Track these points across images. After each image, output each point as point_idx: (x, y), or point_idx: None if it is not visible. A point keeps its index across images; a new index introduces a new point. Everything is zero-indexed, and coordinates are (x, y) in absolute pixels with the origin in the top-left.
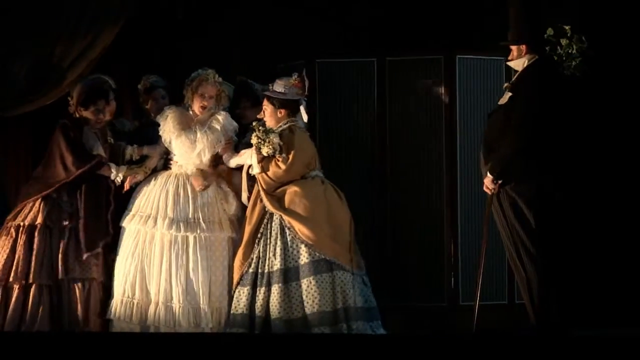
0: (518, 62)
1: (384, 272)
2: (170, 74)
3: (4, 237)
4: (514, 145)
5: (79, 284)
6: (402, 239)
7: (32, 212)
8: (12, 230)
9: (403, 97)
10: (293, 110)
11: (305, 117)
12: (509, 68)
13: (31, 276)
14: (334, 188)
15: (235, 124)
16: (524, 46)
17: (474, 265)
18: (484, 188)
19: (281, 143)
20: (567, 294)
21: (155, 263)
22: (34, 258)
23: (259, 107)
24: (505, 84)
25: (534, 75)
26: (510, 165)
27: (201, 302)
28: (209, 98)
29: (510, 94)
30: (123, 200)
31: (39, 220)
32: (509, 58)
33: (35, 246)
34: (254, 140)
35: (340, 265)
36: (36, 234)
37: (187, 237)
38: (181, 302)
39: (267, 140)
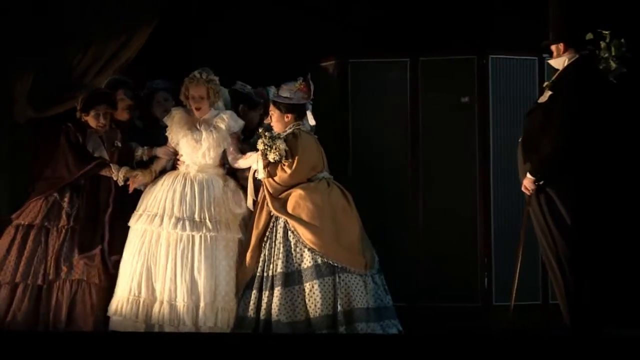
0: (558, 61)
1: (417, 272)
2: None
3: (5, 236)
4: (554, 145)
5: (67, 285)
6: (435, 239)
7: (32, 211)
8: (12, 229)
9: (436, 97)
10: (299, 115)
11: (312, 121)
12: (542, 67)
13: (18, 275)
14: (340, 190)
15: (241, 122)
16: (562, 45)
17: (508, 265)
18: (523, 188)
19: (287, 149)
20: (601, 294)
21: (161, 262)
22: (23, 258)
23: (256, 108)
24: (545, 83)
25: (574, 74)
26: (552, 165)
27: (202, 301)
28: (200, 98)
29: (550, 92)
30: (131, 202)
31: (37, 220)
32: (554, 57)
33: (27, 246)
34: (260, 146)
35: (344, 268)
36: (32, 233)
37: (192, 236)
38: (185, 300)
39: (273, 146)
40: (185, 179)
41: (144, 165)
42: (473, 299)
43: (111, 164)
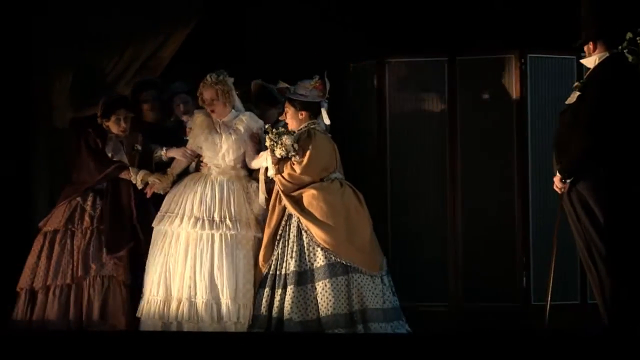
0: (589, 60)
1: (456, 272)
2: (236, 74)
3: (35, 244)
4: (582, 144)
5: (98, 281)
6: (474, 239)
7: (57, 217)
8: (41, 236)
9: (474, 97)
10: (314, 113)
11: (326, 120)
12: (580, 67)
13: (49, 278)
14: (353, 190)
15: (260, 122)
16: (592, 44)
17: (546, 264)
18: (554, 187)
19: (295, 145)
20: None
21: (180, 261)
22: (52, 262)
23: (277, 106)
24: (575, 83)
25: (602, 74)
26: (579, 165)
27: (223, 298)
28: (211, 101)
29: (578, 93)
30: (156, 202)
31: (61, 224)
32: (586, 56)
33: (54, 250)
34: (267, 143)
35: (357, 268)
36: (57, 237)
37: (212, 235)
38: (204, 297)
39: (279, 142)
40: (206, 181)
41: (166, 165)
42: (512, 299)
43: (130, 167)
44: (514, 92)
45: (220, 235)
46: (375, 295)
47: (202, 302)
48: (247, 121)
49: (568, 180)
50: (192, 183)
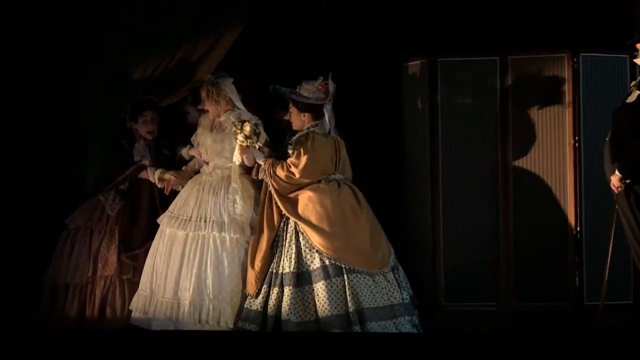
0: None
1: (509, 272)
2: (284, 74)
3: (60, 240)
4: None
5: (102, 282)
6: (526, 238)
7: (80, 215)
8: (65, 233)
9: (526, 95)
10: (317, 115)
11: (328, 122)
12: (633, 66)
13: (69, 276)
14: (351, 190)
15: (249, 119)
16: None
17: (599, 264)
18: (611, 185)
19: (259, 132)
20: None
21: (169, 261)
22: (72, 259)
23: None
24: (633, 82)
25: None
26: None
27: (207, 300)
28: (202, 99)
29: (638, 92)
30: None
31: (82, 222)
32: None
33: (74, 248)
34: (230, 129)
35: (353, 269)
36: (78, 235)
37: (202, 236)
38: (190, 299)
39: (241, 128)
40: (201, 181)
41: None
42: (564, 299)
43: (148, 167)
44: (566, 90)
45: (210, 237)
46: (373, 293)
47: (188, 303)
48: (231, 119)
49: (627, 180)
50: (193, 184)
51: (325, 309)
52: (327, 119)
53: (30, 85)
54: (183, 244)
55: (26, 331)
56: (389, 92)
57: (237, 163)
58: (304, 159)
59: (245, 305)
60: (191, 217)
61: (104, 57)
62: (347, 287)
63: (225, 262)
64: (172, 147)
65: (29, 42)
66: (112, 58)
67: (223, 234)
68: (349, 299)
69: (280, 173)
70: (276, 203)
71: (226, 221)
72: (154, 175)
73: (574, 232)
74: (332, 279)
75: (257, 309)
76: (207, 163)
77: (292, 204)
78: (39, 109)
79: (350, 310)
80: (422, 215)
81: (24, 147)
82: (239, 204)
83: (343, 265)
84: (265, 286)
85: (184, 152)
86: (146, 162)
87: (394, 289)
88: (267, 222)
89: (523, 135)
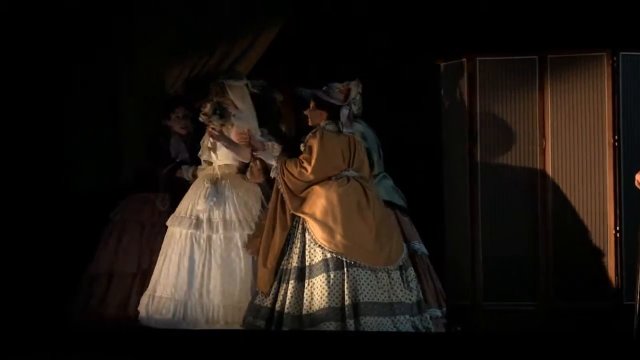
0: None
1: (547, 271)
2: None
3: (104, 232)
4: None
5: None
6: (565, 237)
7: (127, 209)
8: (110, 225)
9: (564, 95)
10: (332, 115)
11: (342, 124)
12: None
13: (113, 266)
14: (362, 187)
15: (249, 122)
16: None
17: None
18: (635, 183)
19: (218, 112)
20: None
21: (177, 261)
22: (120, 250)
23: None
24: None
25: None
26: None
27: (217, 300)
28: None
29: None
30: None
31: (128, 216)
32: None
33: (124, 239)
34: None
35: (355, 263)
36: (126, 228)
37: (209, 236)
38: (200, 298)
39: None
40: (205, 181)
41: None
42: (604, 299)
43: (182, 166)
44: (606, 89)
45: (217, 236)
46: (372, 288)
47: (198, 303)
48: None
49: None
50: (198, 183)
51: (323, 301)
52: (341, 121)
53: (69, 85)
54: (190, 244)
55: (65, 324)
56: (428, 92)
57: (208, 146)
58: (315, 154)
59: (256, 302)
60: (197, 216)
61: (141, 57)
62: (346, 281)
63: (233, 261)
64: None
65: (68, 42)
66: (149, 58)
67: (229, 233)
68: (346, 292)
69: (293, 170)
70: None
71: (232, 220)
72: (188, 174)
73: (614, 231)
74: (332, 272)
75: (268, 305)
76: (209, 163)
77: (301, 202)
78: (76, 108)
79: (347, 303)
80: (461, 215)
81: (61, 147)
82: (239, 203)
83: (345, 259)
84: (275, 283)
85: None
86: (185, 156)
87: (397, 287)
88: (279, 222)
89: (562, 134)
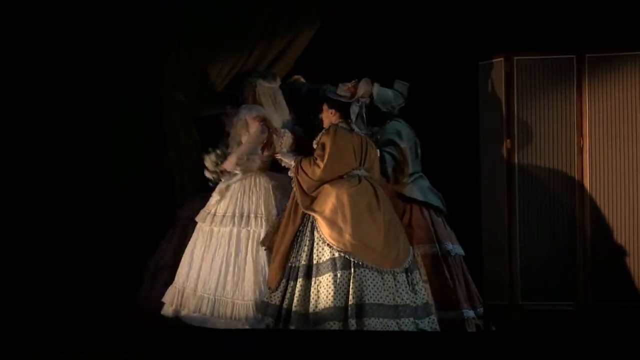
0: None
1: (585, 270)
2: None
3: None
4: None
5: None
6: (603, 237)
7: (194, 206)
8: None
9: (602, 94)
10: (344, 114)
11: (354, 122)
12: None
13: (177, 259)
14: (373, 188)
15: (252, 110)
16: None
17: None
18: None
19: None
20: None
21: (208, 257)
22: (184, 243)
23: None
24: None
25: None
26: None
27: (249, 297)
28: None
29: None
30: None
31: (193, 213)
32: None
33: (187, 234)
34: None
35: (362, 264)
36: (190, 225)
37: (239, 232)
38: (231, 296)
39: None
40: (233, 179)
41: None
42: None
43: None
44: None
45: (247, 232)
46: (378, 290)
47: (229, 300)
48: (238, 114)
49: None
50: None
51: (329, 300)
52: (352, 119)
53: (110, 89)
54: (216, 240)
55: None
56: (466, 90)
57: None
58: (327, 151)
59: (264, 299)
60: (224, 213)
61: (181, 57)
62: (351, 281)
63: (250, 257)
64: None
65: (108, 42)
66: (189, 58)
67: (251, 229)
68: (351, 292)
69: (307, 168)
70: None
71: (255, 217)
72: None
73: None
74: (339, 271)
75: (275, 302)
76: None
77: (312, 200)
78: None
79: (350, 303)
80: (498, 215)
81: (103, 148)
82: (260, 200)
83: (352, 259)
84: (284, 280)
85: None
86: None
87: (403, 290)
88: (291, 218)
89: (600, 134)
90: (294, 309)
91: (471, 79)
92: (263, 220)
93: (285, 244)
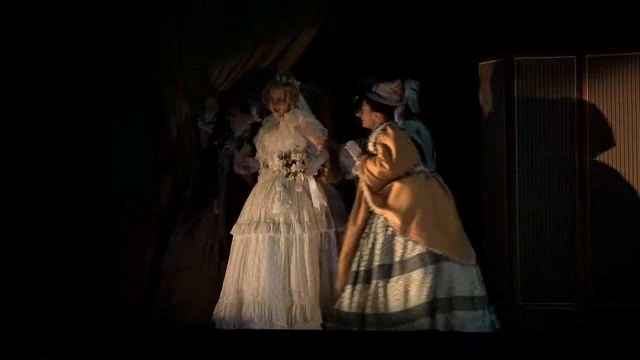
0: None
1: (585, 271)
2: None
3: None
4: None
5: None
6: (603, 237)
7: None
8: (180, 224)
9: (603, 95)
10: (388, 115)
11: (399, 124)
12: None
13: (182, 260)
14: (439, 182)
15: (304, 116)
16: None
17: None
18: None
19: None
20: None
21: (252, 265)
22: (188, 244)
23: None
24: None
25: None
26: None
27: (295, 301)
28: (277, 100)
29: None
30: None
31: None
32: None
33: (194, 235)
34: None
35: (447, 257)
36: (201, 223)
37: (279, 237)
38: (280, 300)
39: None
40: (263, 183)
41: None
42: None
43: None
44: None
45: (286, 238)
46: (465, 283)
47: (275, 305)
48: (287, 119)
49: None
50: (258, 188)
51: (421, 296)
52: (398, 121)
53: (111, 88)
54: (269, 247)
55: (137, 319)
56: (466, 91)
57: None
58: (394, 151)
59: (335, 306)
60: (273, 219)
61: (182, 58)
62: (441, 275)
63: (310, 261)
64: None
65: (112, 43)
66: (190, 59)
67: (306, 233)
68: (442, 286)
69: (373, 169)
70: (364, 199)
71: (306, 221)
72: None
73: None
74: (427, 267)
75: (349, 309)
76: (267, 165)
77: (383, 199)
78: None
79: (438, 297)
80: (499, 214)
81: (104, 148)
82: (276, 204)
83: (439, 253)
84: (352, 286)
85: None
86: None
87: (479, 281)
88: (352, 219)
89: (601, 134)
90: (370, 311)
91: (471, 79)
92: (316, 223)
93: (348, 245)
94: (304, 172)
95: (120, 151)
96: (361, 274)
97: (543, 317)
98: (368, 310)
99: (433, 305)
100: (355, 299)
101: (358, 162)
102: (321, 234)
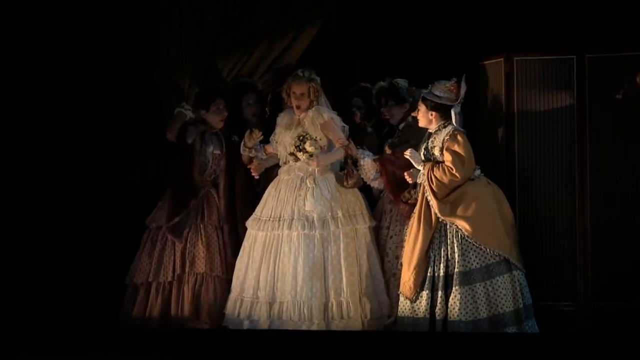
0: None
1: (585, 271)
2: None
3: (142, 240)
4: None
5: (192, 279)
6: (603, 237)
7: (161, 215)
8: (145, 233)
9: (604, 95)
10: (444, 114)
11: (455, 122)
12: None
13: (150, 275)
14: (490, 183)
15: (328, 113)
16: None
17: None
18: None
19: (316, 149)
20: None
21: (253, 261)
22: (154, 258)
23: (403, 105)
24: None
25: None
26: None
27: (332, 298)
28: (300, 95)
29: None
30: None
31: (163, 222)
32: None
33: (156, 246)
34: (292, 148)
35: (517, 265)
36: (159, 235)
37: (305, 235)
38: (312, 299)
39: (302, 147)
40: (280, 180)
41: None
42: None
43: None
44: None
45: (320, 234)
46: (527, 291)
47: (308, 303)
48: (311, 115)
49: None
50: (275, 184)
51: (507, 304)
52: (454, 120)
53: (111, 88)
54: (303, 244)
55: (112, 330)
56: (466, 91)
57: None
58: (465, 159)
59: (400, 313)
60: (272, 217)
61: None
62: (515, 283)
63: (338, 259)
64: (241, 134)
65: (114, 43)
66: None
67: (337, 229)
68: (517, 294)
69: (443, 178)
70: (429, 206)
71: (338, 216)
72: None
73: None
74: (504, 275)
75: (425, 315)
76: (287, 162)
77: (452, 205)
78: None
79: (520, 306)
80: None
81: (104, 149)
82: (310, 201)
83: (510, 260)
84: (426, 291)
85: (261, 150)
86: (217, 151)
87: (525, 290)
88: (424, 222)
89: (601, 134)
90: (455, 317)
91: (471, 79)
92: (347, 219)
93: (420, 250)
94: (308, 162)
95: (120, 151)
96: (436, 280)
97: (543, 317)
98: (455, 317)
99: (517, 313)
100: (437, 304)
101: (422, 170)
102: (355, 229)
